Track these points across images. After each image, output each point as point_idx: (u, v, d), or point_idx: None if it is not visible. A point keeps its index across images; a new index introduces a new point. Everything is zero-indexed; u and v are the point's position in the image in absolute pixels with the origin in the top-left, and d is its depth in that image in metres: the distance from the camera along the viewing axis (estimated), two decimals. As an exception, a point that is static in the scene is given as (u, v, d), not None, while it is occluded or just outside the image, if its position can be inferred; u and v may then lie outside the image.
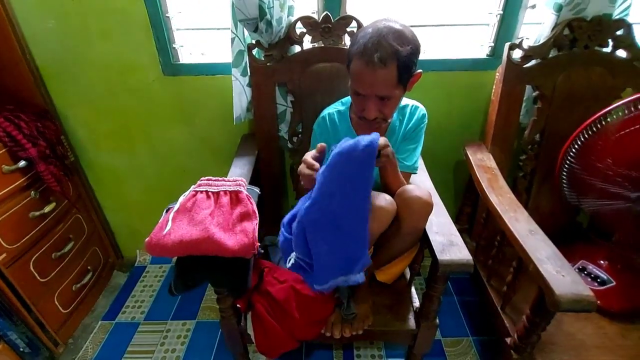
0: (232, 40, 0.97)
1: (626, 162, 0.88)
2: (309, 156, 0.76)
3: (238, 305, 0.89)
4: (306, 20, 1.00)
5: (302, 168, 0.76)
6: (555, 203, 1.16)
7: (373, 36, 0.72)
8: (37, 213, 1.06)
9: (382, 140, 0.71)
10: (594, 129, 0.89)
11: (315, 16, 1.01)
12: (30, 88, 1.10)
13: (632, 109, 0.83)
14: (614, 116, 0.87)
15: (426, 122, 0.92)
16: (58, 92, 1.17)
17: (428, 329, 0.88)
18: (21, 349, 1.03)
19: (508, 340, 0.88)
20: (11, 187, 0.99)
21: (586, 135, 0.91)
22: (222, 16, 1.02)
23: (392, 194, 0.81)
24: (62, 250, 1.16)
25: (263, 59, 1.03)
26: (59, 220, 1.17)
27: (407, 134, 0.91)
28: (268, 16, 0.89)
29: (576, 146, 0.94)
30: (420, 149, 0.92)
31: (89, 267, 1.30)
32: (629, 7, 0.97)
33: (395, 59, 0.71)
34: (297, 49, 1.04)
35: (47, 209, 1.09)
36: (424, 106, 0.92)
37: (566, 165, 0.97)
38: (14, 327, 1.01)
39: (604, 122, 0.88)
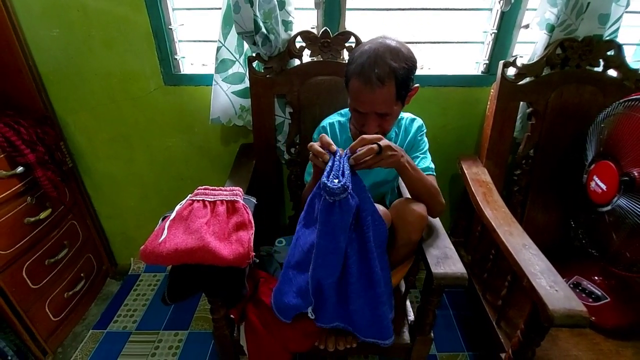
0: (218, 49, 1.01)
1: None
2: (317, 145, 0.70)
3: (231, 315, 0.88)
4: (306, 35, 1.02)
5: (312, 158, 0.71)
6: (549, 218, 1.17)
7: (370, 55, 0.73)
8: (33, 219, 1.06)
9: (375, 137, 0.68)
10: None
11: (315, 31, 1.03)
12: (31, 94, 1.11)
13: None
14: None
15: (425, 130, 0.94)
16: (59, 99, 1.18)
17: (423, 343, 0.88)
18: (9, 358, 1.01)
19: (503, 355, 0.87)
20: (7, 192, 0.99)
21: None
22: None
23: (420, 199, 0.81)
24: (56, 257, 1.15)
25: (263, 71, 1.05)
26: (54, 226, 1.16)
27: (408, 146, 0.92)
28: (263, 30, 0.92)
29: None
30: (428, 153, 0.93)
31: (82, 274, 1.29)
32: (618, 29, 1.00)
33: (393, 77, 0.72)
34: (296, 62, 1.06)
35: (42, 215, 1.09)
36: (421, 120, 0.94)
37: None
38: (3, 335, 1.00)
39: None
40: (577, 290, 1.03)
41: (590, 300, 1.00)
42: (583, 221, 1.03)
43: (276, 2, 0.93)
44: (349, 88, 0.79)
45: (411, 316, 0.95)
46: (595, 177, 0.94)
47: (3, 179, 0.97)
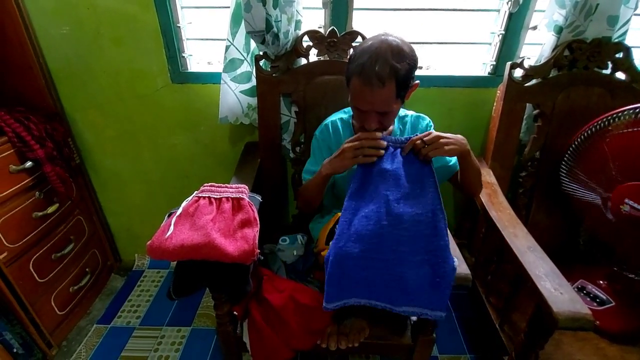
0: (227, 47, 1.01)
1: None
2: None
3: (235, 312, 0.88)
4: (313, 34, 1.02)
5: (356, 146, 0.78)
6: (554, 220, 1.16)
7: (371, 55, 0.72)
8: (40, 213, 1.07)
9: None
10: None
11: (322, 30, 1.04)
12: (41, 91, 1.12)
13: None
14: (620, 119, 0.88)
15: (433, 126, 0.93)
16: (68, 96, 1.20)
17: (425, 343, 0.87)
18: (15, 350, 1.03)
19: (505, 358, 0.87)
20: (17, 186, 1.00)
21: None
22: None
23: (473, 183, 0.88)
24: (62, 252, 1.16)
25: (269, 69, 1.05)
26: (61, 221, 1.18)
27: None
28: (275, 29, 0.92)
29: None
30: None
31: (87, 269, 1.30)
32: (626, 31, 1.00)
33: (393, 77, 0.72)
34: (303, 61, 1.07)
35: (50, 210, 1.10)
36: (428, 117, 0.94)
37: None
38: (10, 327, 1.01)
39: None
40: (582, 294, 1.02)
41: (595, 304, 0.99)
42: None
43: (295, 5, 0.93)
44: (349, 86, 0.79)
45: (414, 317, 0.95)
46: (628, 201, 0.86)
47: (13, 173, 0.99)
